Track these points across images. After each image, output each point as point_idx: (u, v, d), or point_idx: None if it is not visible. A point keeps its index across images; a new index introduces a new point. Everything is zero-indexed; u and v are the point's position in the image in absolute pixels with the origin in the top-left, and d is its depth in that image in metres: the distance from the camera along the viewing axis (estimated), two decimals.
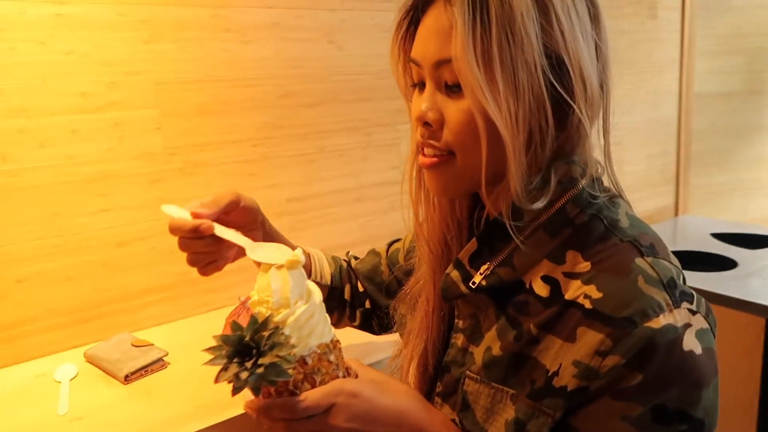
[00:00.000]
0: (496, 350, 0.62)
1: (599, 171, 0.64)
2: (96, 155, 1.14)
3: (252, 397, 0.59)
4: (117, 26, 1.13)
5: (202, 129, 1.25)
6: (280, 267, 0.61)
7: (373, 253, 0.95)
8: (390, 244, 0.94)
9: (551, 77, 0.56)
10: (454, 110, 0.59)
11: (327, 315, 0.64)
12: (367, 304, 0.93)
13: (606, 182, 0.65)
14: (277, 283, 0.60)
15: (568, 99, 0.57)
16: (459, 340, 0.69)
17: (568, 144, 0.60)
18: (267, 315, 0.58)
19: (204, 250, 0.72)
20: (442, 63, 0.58)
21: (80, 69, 1.10)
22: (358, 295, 0.93)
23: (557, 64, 0.56)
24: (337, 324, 0.94)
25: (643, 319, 0.53)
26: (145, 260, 1.22)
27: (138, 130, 1.17)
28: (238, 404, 0.65)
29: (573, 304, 0.58)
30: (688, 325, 0.54)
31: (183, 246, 0.72)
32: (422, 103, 0.61)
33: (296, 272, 0.62)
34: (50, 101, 1.08)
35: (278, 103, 1.35)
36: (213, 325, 1.13)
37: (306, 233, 1.43)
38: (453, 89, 0.58)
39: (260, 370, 0.54)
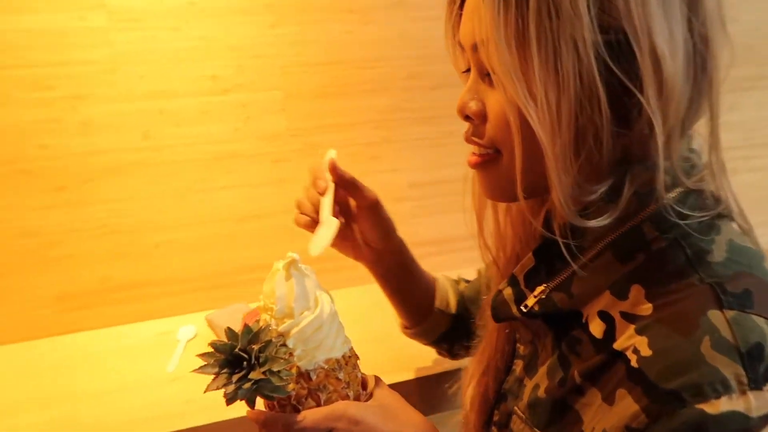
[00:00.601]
0: (541, 391, 0.53)
1: (703, 181, 0.48)
2: (224, 135, 1.22)
3: None
4: (244, 11, 1.18)
5: (324, 111, 1.27)
6: (285, 270, 0.57)
7: (479, 273, 0.85)
8: None
9: (608, 58, 0.42)
10: (493, 101, 0.49)
11: (342, 327, 0.59)
12: None
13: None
14: (281, 290, 0.56)
15: (631, 86, 0.43)
16: (519, 367, 0.60)
17: (638, 145, 0.46)
18: (267, 324, 0.54)
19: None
20: (477, 46, 0.49)
21: (210, 53, 1.18)
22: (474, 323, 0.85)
23: (617, 42, 0.43)
24: (466, 355, 0.84)
25: (696, 398, 0.39)
26: (266, 236, 1.28)
27: (263, 111, 1.23)
28: None
29: (620, 356, 0.45)
30: None
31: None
32: (463, 93, 0.52)
33: (305, 279, 0.57)
34: (184, 84, 1.18)
35: (402, 85, 1.30)
36: (352, 302, 1.15)
37: (427, 220, 1.38)
38: (490, 77, 0.49)
39: (247, 385, 0.50)
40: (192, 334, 1.14)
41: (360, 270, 0.81)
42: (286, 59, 1.22)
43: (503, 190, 0.53)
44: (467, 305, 0.84)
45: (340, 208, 0.74)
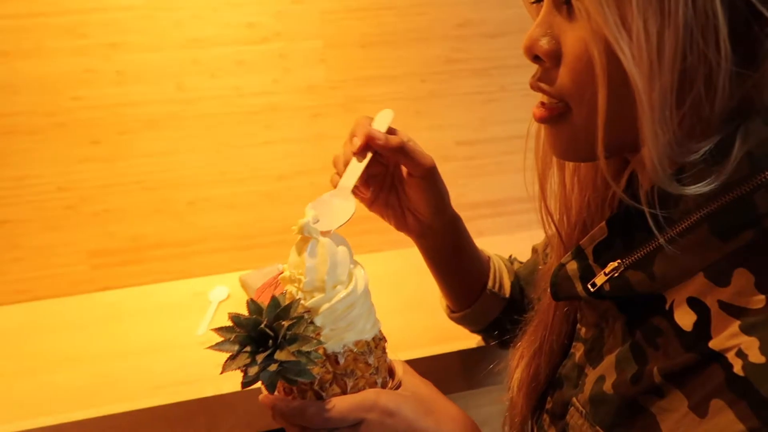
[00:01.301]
0: (608, 385, 0.44)
1: None
2: (261, 87, 1.15)
3: None
4: None
5: (367, 62, 1.18)
6: (322, 237, 0.50)
7: (534, 251, 0.75)
8: None
9: None
10: (572, 38, 0.40)
11: (373, 306, 0.52)
12: None
13: None
14: (312, 260, 0.49)
15: (763, 9, 0.33)
16: (579, 351, 0.51)
17: (761, 92, 0.36)
18: (294, 299, 0.48)
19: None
20: None
21: None
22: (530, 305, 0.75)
23: None
24: (511, 345, 0.78)
25: None
26: (305, 195, 1.22)
27: (302, 62, 1.15)
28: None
29: (718, 358, 0.37)
30: None
31: None
32: (532, 28, 0.43)
33: (338, 249, 0.50)
34: (220, 32, 1.10)
35: (453, 33, 1.19)
36: (378, 268, 1.09)
37: (475, 181, 1.28)
38: (571, 6, 0.39)
39: (273, 366, 0.44)
40: (224, 295, 1.10)
41: (392, 233, 0.72)
42: (326, 5, 1.13)
43: (577, 148, 0.44)
44: (523, 287, 0.75)
45: (389, 171, 0.66)
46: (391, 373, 0.54)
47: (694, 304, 0.39)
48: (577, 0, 0.37)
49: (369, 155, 0.62)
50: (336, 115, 1.19)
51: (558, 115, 0.43)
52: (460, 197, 1.30)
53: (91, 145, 1.12)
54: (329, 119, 1.18)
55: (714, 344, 0.37)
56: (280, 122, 1.17)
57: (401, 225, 0.68)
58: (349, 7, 1.14)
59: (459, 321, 0.76)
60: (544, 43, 0.42)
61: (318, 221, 0.50)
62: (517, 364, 0.57)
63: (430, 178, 0.64)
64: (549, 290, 0.50)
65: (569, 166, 0.51)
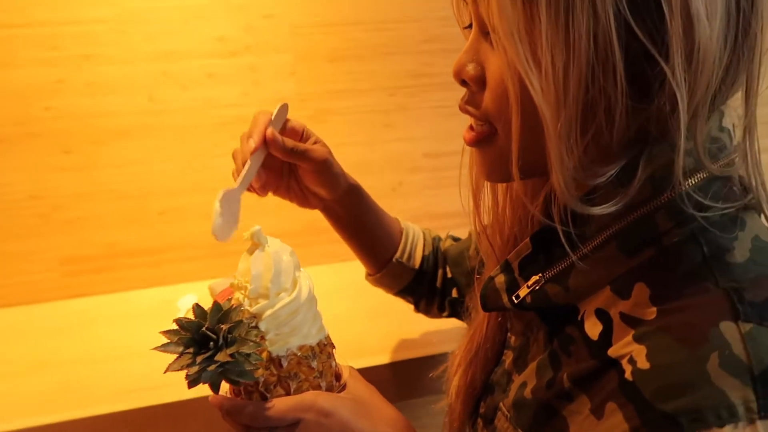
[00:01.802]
0: (528, 390, 0.48)
1: (731, 166, 0.41)
2: (232, 99, 1.17)
3: None
4: None
5: (336, 75, 1.21)
6: (264, 249, 0.53)
7: (470, 234, 0.80)
8: None
9: (629, 17, 0.36)
10: (494, 66, 0.43)
11: (319, 313, 0.55)
12: (454, 293, 0.80)
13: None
14: (257, 269, 0.51)
15: (655, 53, 0.36)
16: (508, 358, 0.55)
17: (657, 123, 0.39)
18: (237, 304, 0.51)
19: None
20: None
21: (219, 13, 1.12)
22: (447, 283, 0.80)
23: (645, 6, 0.36)
24: (427, 312, 0.83)
25: (695, 423, 0.34)
26: (273, 204, 1.24)
27: (272, 75, 1.18)
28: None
29: (615, 364, 0.40)
30: None
31: None
32: (462, 54, 0.46)
33: (283, 258, 0.53)
34: (190, 45, 1.12)
35: (421, 48, 1.23)
36: (333, 278, 1.12)
37: (441, 192, 1.32)
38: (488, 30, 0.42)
39: (212, 367, 0.46)
40: (192, 302, 1.12)
41: (339, 246, 0.78)
42: (296, 20, 1.16)
43: (500, 171, 0.47)
44: (442, 264, 0.79)
45: (285, 162, 0.71)
46: (338, 376, 0.57)
47: (601, 314, 0.43)
48: (493, 33, 0.40)
49: (264, 153, 0.67)
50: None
51: (485, 138, 0.46)
52: (426, 207, 1.33)
53: (62, 154, 1.13)
54: None
55: (612, 351, 0.40)
56: None
57: (304, 203, 0.75)
58: (319, 22, 1.17)
59: (374, 283, 0.81)
60: (470, 69, 0.45)
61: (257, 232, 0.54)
62: (456, 371, 0.60)
63: (323, 168, 0.69)
64: (479, 303, 0.53)
65: (501, 184, 0.54)
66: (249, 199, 1.24)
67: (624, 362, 0.39)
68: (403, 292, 0.81)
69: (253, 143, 0.65)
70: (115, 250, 1.19)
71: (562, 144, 0.38)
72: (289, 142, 0.67)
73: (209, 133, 1.18)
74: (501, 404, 0.52)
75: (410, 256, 0.79)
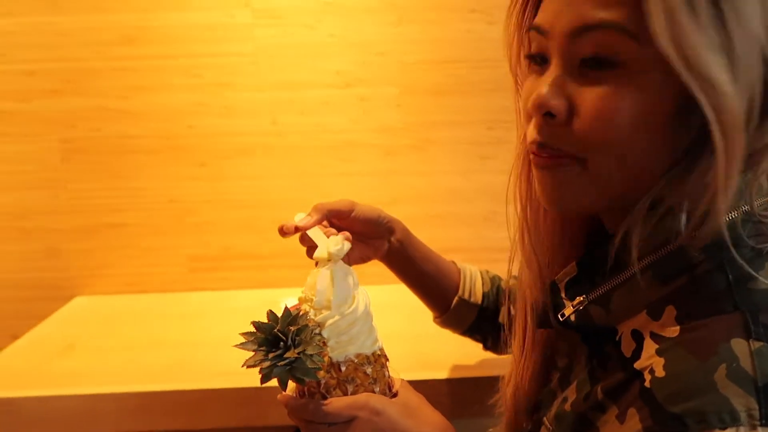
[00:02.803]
0: (568, 404, 0.51)
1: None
2: (342, 125, 1.29)
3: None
4: (371, 10, 1.22)
5: (438, 108, 1.29)
6: (326, 267, 0.61)
7: None
8: None
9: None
10: (591, 96, 0.43)
11: (374, 328, 0.61)
12: None
13: None
14: (322, 284, 0.59)
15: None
16: (554, 378, 0.58)
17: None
18: (304, 312, 0.58)
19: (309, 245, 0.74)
20: (585, 29, 0.42)
21: (338, 49, 1.25)
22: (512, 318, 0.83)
23: None
24: (494, 349, 0.85)
25: (699, 425, 0.37)
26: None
27: (379, 105, 1.28)
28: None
29: (638, 375, 0.43)
30: None
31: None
32: (543, 86, 0.45)
33: (346, 276, 0.60)
34: (311, 77, 1.26)
35: None
36: (391, 297, 1.20)
37: None
38: (594, 67, 0.42)
39: (282, 363, 0.53)
40: (293, 304, 1.25)
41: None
42: (406, 57, 1.26)
43: (577, 200, 0.47)
44: (504, 300, 0.79)
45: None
46: (390, 386, 0.62)
47: (635, 334, 0.46)
48: (680, 62, 0.39)
49: (317, 218, 0.76)
50: (406, 154, 1.31)
51: (564, 165, 0.46)
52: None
53: (198, 166, 1.31)
54: (400, 157, 1.31)
55: (638, 364, 0.44)
56: (356, 157, 1.31)
57: (370, 256, 0.78)
58: (426, 59, 1.27)
59: (442, 325, 0.85)
60: (556, 101, 0.44)
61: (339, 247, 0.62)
62: (508, 390, 0.64)
63: (348, 211, 0.76)
64: (521, 325, 0.58)
65: (543, 210, 0.56)
66: None
67: (645, 373, 0.43)
68: (470, 331, 0.84)
69: (306, 223, 0.74)
70: (230, 253, 1.35)
71: (734, 169, 0.39)
72: (314, 218, 0.75)
73: (320, 155, 1.31)
74: (544, 419, 0.55)
75: (471, 293, 0.82)
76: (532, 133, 0.47)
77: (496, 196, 1.36)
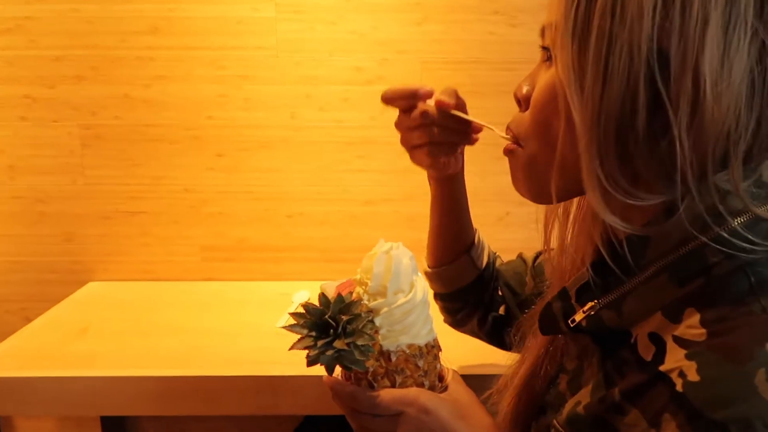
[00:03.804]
0: (581, 407, 0.50)
1: None
2: (360, 122, 1.29)
3: None
4: (394, 9, 1.23)
5: None
6: (385, 251, 0.57)
7: (520, 258, 0.82)
8: (539, 254, 0.80)
9: (656, 68, 0.41)
10: (539, 85, 0.50)
11: (430, 317, 0.58)
12: (501, 310, 0.80)
13: None
14: (379, 268, 0.55)
15: (667, 103, 0.41)
16: (563, 381, 0.57)
17: (700, 164, 0.43)
18: (358, 298, 0.55)
19: (415, 124, 0.69)
20: (545, 29, 0.49)
21: (359, 46, 1.25)
22: (496, 299, 0.81)
23: (666, 55, 0.41)
24: (460, 325, 0.83)
25: None
26: (387, 221, 1.34)
27: None
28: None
29: (664, 378, 0.42)
30: None
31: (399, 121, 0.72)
32: (524, 78, 0.53)
33: (404, 262, 0.56)
34: (332, 73, 1.26)
35: None
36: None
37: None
38: (549, 59, 0.49)
39: (330, 351, 0.51)
40: (305, 298, 1.24)
41: None
42: (427, 56, 1.27)
43: (528, 183, 0.54)
44: (497, 275, 0.81)
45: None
46: (441, 378, 0.59)
47: (654, 338, 0.45)
48: (556, 59, 0.46)
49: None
50: None
51: (511, 151, 0.54)
52: (530, 240, 1.36)
53: (216, 157, 1.32)
54: None
55: (664, 367, 0.43)
56: (373, 154, 1.31)
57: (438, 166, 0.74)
58: (447, 59, 1.27)
59: (431, 277, 0.81)
60: (523, 88, 0.52)
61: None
62: (509, 394, 0.62)
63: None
64: (537, 326, 0.56)
65: (570, 216, 0.57)
66: (368, 216, 1.35)
67: (674, 376, 0.41)
68: (455, 294, 0.80)
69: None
70: (245, 244, 1.35)
71: (592, 160, 0.44)
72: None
73: (337, 150, 1.31)
74: (554, 421, 0.53)
75: (479, 257, 0.80)
76: None
77: (511, 197, 1.36)
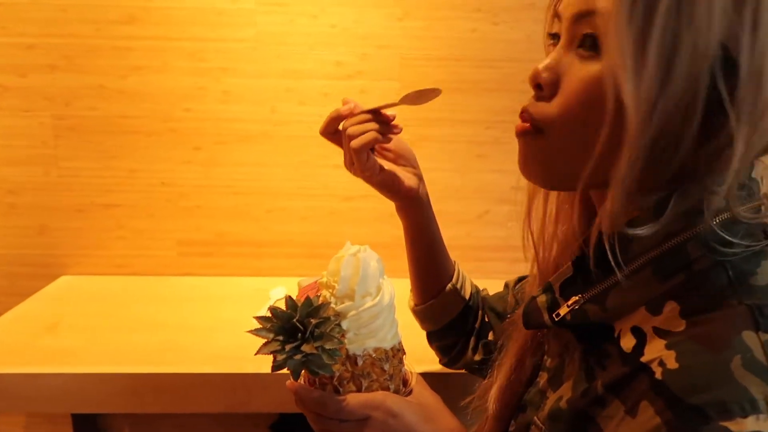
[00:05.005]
0: (563, 402, 0.50)
1: (759, 213, 0.44)
2: None
3: None
4: (376, 4, 1.20)
5: (438, 105, 1.27)
6: (352, 253, 0.56)
7: (505, 285, 0.82)
8: (520, 278, 0.79)
9: (718, 73, 0.40)
10: (576, 75, 0.45)
11: (396, 320, 0.58)
12: (490, 336, 0.80)
13: None
14: (347, 271, 0.55)
15: (729, 108, 0.40)
16: (543, 379, 0.56)
17: (706, 164, 0.43)
18: (326, 302, 0.54)
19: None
20: (584, 15, 0.45)
21: (340, 40, 1.22)
22: (484, 326, 0.81)
23: (730, 60, 0.40)
24: (457, 360, 0.81)
25: (721, 415, 0.37)
26: (367, 216, 1.32)
27: (379, 98, 1.26)
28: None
29: (645, 368, 0.42)
30: None
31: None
32: (542, 62, 0.48)
33: (371, 264, 0.55)
34: (312, 67, 1.23)
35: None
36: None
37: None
38: (588, 47, 0.45)
39: (298, 356, 0.50)
40: (282, 294, 1.21)
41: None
42: (408, 51, 1.24)
43: (539, 169, 0.50)
44: (482, 306, 0.80)
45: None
46: (406, 382, 0.59)
47: (636, 331, 0.45)
48: (607, 47, 0.43)
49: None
50: None
51: (530, 133, 0.49)
52: (510, 238, 1.36)
53: (193, 150, 1.28)
54: None
55: (644, 358, 0.43)
56: None
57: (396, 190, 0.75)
58: (428, 55, 1.25)
59: (420, 314, 0.81)
60: (546, 74, 0.47)
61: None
62: (493, 394, 0.61)
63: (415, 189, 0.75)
64: (521, 321, 0.55)
65: (551, 209, 0.57)
66: (349, 212, 1.33)
67: (654, 365, 0.42)
68: (446, 329, 0.80)
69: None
70: (223, 239, 1.32)
71: (633, 161, 0.42)
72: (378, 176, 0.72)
73: (318, 145, 1.28)
74: (535, 418, 0.53)
75: (462, 287, 0.79)
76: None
77: (491, 195, 1.36)
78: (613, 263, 0.45)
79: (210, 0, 1.21)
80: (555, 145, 0.47)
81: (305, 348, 0.50)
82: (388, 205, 0.79)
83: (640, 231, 0.44)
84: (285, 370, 0.52)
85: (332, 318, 0.53)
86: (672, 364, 0.41)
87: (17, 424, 1.37)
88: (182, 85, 1.25)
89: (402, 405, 0.55)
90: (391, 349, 0.57)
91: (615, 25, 0.41)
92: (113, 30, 1.21)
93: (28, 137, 1.26)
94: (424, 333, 0.84)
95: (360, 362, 0.55)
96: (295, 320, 0.51)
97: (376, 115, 0.71)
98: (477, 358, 0.80)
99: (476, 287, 0.83)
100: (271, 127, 1.27)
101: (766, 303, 0.41)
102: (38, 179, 1.28)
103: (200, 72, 1.25)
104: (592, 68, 0.44)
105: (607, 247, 0.45)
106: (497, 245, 1.35)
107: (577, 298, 0.50)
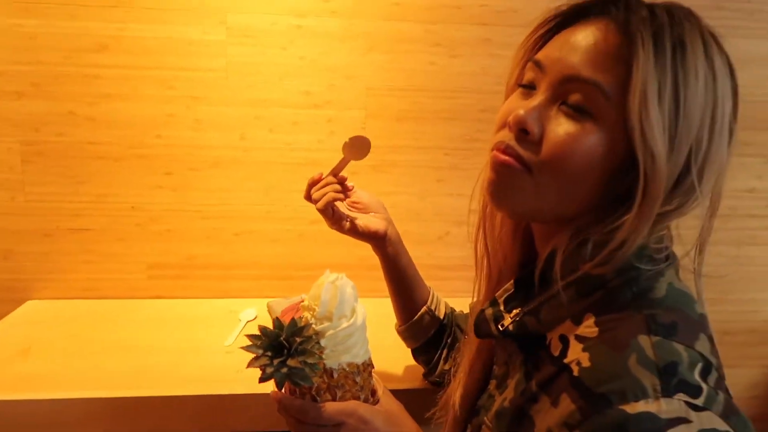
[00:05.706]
0: (507, 402, 0.57)
1: (662, 243, 0.53)
2: (309, 144, 1.31)
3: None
4: (343, 37, 1.26)
5: (401, 133, 1.33)
6: (332, 281, 0.63)
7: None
8: None
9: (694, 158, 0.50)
10: (563, 129, 0.50)
11: (367, 338, 0.64)
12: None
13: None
14: (326, 296, 0.62)
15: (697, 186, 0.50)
16: (492, 385, 0.64)
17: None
18: (308, 323, 0.60)
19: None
20: (576, 80, 0.50)
21: (308, 71, 1.27)
22: (455, 340, 0.90)
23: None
24: (436, 368, 0.89)
25: (620, 401, 0.45)
26: (333, 239, 1.35)
27: (346, 127, 1.31)
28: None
29: (566, 367, 0.51)
30: (681, 420, 0.43)
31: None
32: (527, 108, 0.51)
33: (347, 290, 0.63)
34: (281, 96, 1.28)
35: (477, 116, 1.34)
36: (379, 310, 1.22)
37: None
38: (576, 110, 0.50)
39: (284, 369, 0.57)
40: (252, 316, 1.24)
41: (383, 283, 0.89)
42: (373, 82, 1.30)
43: (516, 203, 0.54)
44: (455, 324, 0.91)
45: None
46: (373, 392, 0.66)
47: (562, 338, 0.53)
48: (634, 128, 0.48)
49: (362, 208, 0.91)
50: (368, 174, 1.34)
51: (518, 170, 0.52)
52: (469, 258, 1.42)
53: (164, 175, 1.30)
54: (362, 177, 1.33)
55: (566, 360, 0.51)
56: None
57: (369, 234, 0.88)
58: (392, 86, 1.31)
59: (402, 334, 0.92)
60: (535, 126, 0.51)
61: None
62: (455, 399, 0.69)
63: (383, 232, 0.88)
64: (472, 332, 0.63)
65: (498, 232, 0.64)
66: (317, 234, 1.36)
67: (573, 365, 0.50)
68: (426, 346, 0.90)
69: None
70: (193, 262, 1.33)
71: (650, 213, 0.49)
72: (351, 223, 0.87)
73: (286, 171, 1.32)
74: (485, 419, 0.60)
75: (437, 308, 0.90)
76: (504, 135, 0.54)
77: (450, 218, 1.42)
78: (558, 277, 0.53)
79: (182, 31, 1.24)
80: (542, 185, 0.52)
81: (290, 362, 0.57)
82: None
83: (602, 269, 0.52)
84: (270, 382, 0.58)
85: (313, 336, 0.59)
86: (586, 363, 0.49)
87: None
88: (153, 112, 1.27)
89: (371, 412, 0.62)
90: (362, 363, 0.63)
91: (646, 109, 0.47)
92: (83, 58, 1.23)
93: None
94: (393, 354, 0.89)
95: (335, 375, 0.61)
96: (281, 338, 0.58)
97: (337, 177, 0.90)
98: (447, 367, 0.88)
99: (451, 308, 0.93)
100: (240, 153, 1.30)
101: (659, 312, 0.50)
102: (3, 204, 1.27)
103: (170, 100, 1.27)
104: (583, 127, 0.50)
105: (557, 265, 0.53)
106: (457, 264, 1.41)
107: (517, 311, 0.58)
